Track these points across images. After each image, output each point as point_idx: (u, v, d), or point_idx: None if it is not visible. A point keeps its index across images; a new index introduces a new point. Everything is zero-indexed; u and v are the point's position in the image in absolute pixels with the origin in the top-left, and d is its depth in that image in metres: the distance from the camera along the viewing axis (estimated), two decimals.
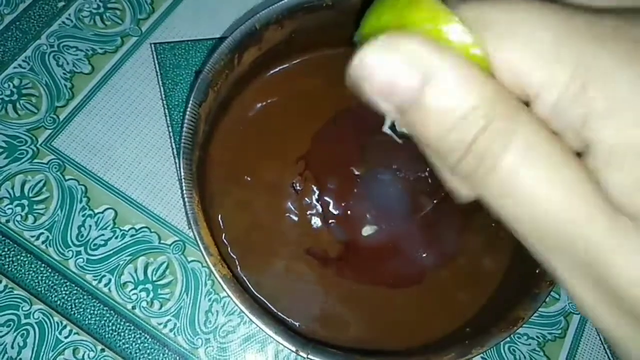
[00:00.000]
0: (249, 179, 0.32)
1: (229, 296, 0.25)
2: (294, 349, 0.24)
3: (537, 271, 0.27)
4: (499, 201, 0.11)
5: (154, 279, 0.33)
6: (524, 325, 0.35)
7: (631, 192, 0.10)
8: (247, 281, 0.29)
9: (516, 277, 0.30)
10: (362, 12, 0.14)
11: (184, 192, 0.26)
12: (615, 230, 0.10)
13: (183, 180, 0.26)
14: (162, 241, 0.33)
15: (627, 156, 0.10)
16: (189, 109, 0.27)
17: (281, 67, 0.34)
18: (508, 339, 0.34)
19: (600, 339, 0.35)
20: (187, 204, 0.26)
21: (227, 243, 0.29)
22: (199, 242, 0.25)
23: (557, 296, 0.36)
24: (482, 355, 0.34)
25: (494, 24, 0.11)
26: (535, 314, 0.35)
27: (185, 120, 0.27)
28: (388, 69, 0.11)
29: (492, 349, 0.34)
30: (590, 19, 0.11)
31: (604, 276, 0.11)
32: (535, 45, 0.11)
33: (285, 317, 0.29)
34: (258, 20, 0.30)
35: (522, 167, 0.11)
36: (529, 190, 0.11)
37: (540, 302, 0.26)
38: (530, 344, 0.34)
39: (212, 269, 0.25)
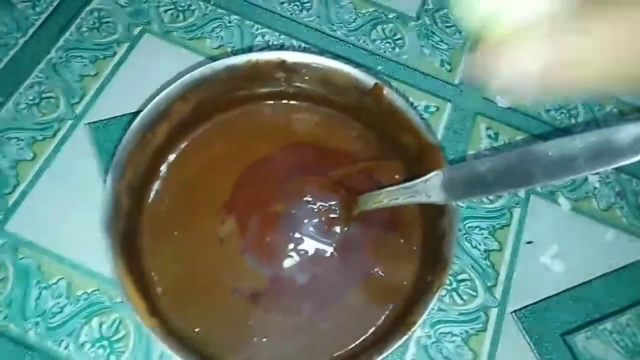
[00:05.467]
0: (176, 233, 0.36)
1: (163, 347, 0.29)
2: None
3: (428, 279, 0.32)
4: None
5: (109, 335, 0.36)
6: (448, 324, 0.39)
7: None
8: (182, 329, 0.32)
9: (421, 286, 0.34)
10: None
11: (111, 261, 0.30)
12: None
13: (108, 250, 0.30)
14: (112, 300, 0.37)
15: None
16: (106, 188, 0.31)
17: (196, 132, 0.38)
18: (434, 338, 0.39)
19: (517, 327, 0.39)
20: (114, 272, 0.30)
21: (160, 295, 0.33)
22: (128, 303, 0.29)
23: (474, 293, 0.40)
24: (413, 357, 0.38)
25: None
26: (457, 312, 0.39)
27: (104, 199, 0.31)
28: None
29: (420, 350, 0.38)
30: None
31: None
32: None
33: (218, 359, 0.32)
34: (164, 97, 0.35)
35: None
36: None
37: (428, 307, 0.30)
38: (454, 341, 0.38)
39: (142, 323, 0.29)
